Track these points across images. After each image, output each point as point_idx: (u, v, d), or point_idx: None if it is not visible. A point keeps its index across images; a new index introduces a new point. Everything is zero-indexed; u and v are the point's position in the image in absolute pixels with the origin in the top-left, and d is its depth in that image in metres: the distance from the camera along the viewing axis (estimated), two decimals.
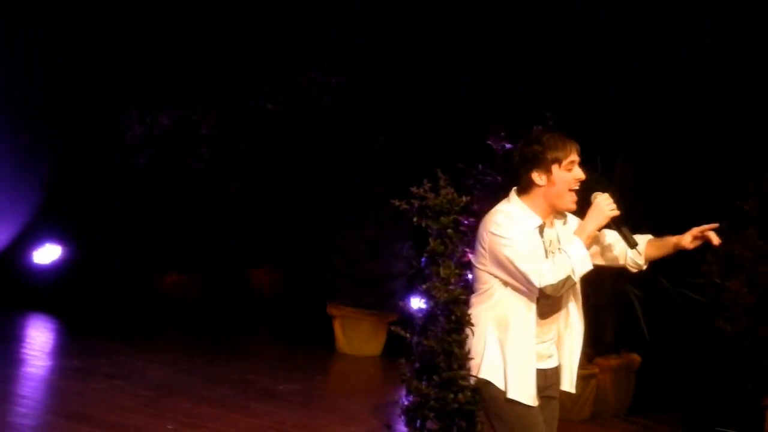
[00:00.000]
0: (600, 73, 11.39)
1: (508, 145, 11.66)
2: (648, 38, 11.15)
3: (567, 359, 5.19)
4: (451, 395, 4.09)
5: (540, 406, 5.04)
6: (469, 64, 12.27)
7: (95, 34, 13.53)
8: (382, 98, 13.48)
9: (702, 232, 5.18)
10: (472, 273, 4.97)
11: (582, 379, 9.66)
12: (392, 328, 4.27)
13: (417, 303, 11.78)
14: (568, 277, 4.79)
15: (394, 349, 11.81)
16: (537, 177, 4.99)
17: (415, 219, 4.15)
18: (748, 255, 9.37)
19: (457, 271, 4.11)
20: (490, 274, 4.94)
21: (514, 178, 5.06)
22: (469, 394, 4.08)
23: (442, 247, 4.12)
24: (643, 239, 5.18)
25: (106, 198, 13.58)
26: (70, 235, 13.53)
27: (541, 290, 4.80)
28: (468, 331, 4.34)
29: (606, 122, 10.70)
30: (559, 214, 5.14)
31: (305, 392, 10.11)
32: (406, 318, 11.84)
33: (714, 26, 10.67)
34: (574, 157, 5.02)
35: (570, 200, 5.02)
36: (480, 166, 11.18)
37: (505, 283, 4.92)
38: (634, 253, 5.13)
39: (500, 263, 4.86)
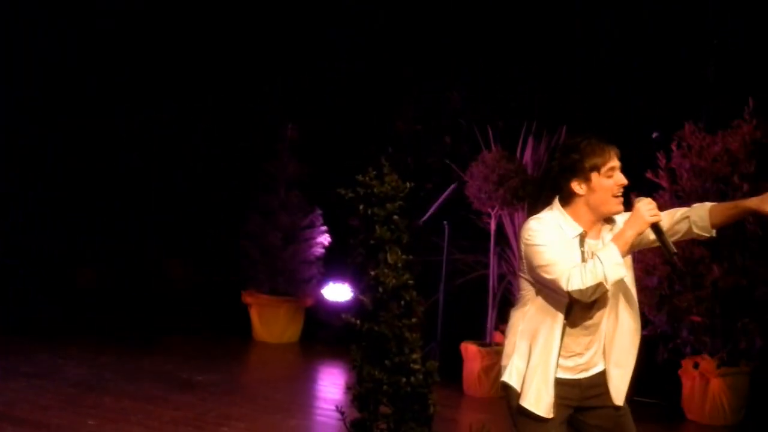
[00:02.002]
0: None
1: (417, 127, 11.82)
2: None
3: (613, 370, 5.11)
4: (404, 379, 4.12)
5: (583, 416, 5.11)
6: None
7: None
8: (293, 84, 13.47)
9: None
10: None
11: (499, 355, 9.80)
12: (343, 316, 4.29)
13: (335, 289, 11.91)
14: (599, 284, 4.72)
15: (311, 335, 11.96)
16: (576, 186, 4.92)
17: (361, 207, 4.16)
18: None
19: (404, 256, 4.14)
20: (527, 281, 4.99)
21: (554, 187, 4.99)
22: (421, 377, 4.13)
23: (389, 234, 4.15)
24: (704, 208, 5.12)
25: (21, 192, 13.43)
26: None
27: (573, 297, 4.77)
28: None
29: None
30: (608, 221, 5.06)
31: (226, 382, 10.10)
32: (323, 304, 11.96)
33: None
34: (614, 162, 4.94)
35: (615, 204, 4.95)
36: (390, 149, 11.26)
37: (538, 292, 4.94)
38: (703, 225, 5.08)
39: (532, 269, 4.88)
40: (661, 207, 9.09)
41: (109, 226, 13.51)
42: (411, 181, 4.49)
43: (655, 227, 4.90)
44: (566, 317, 4.91)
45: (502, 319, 10.27)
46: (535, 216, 5.02)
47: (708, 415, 9.43)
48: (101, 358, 10.53)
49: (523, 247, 4.93)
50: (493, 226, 9.87)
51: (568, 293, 4.74)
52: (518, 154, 10.25)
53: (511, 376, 5.01)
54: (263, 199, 11.98)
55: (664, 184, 9.58)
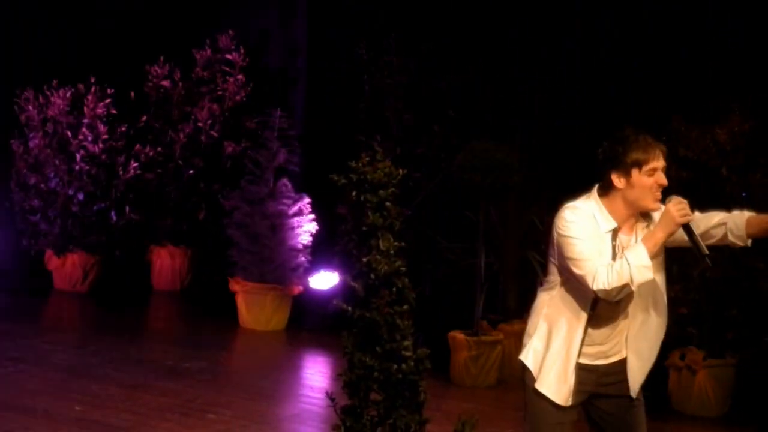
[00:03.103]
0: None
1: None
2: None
3: (634, 361, 5.10)
4: (395, 366, 4.12)
5: (597, 402, 5.12)
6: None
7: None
8: (280, 72, 13.47)
9: None
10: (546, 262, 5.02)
11: (487, 345, 9.86)
12: (334, 302, 4.29)
13: (322, 277, 11.91)
14: (625, 285, 4.71)
15: (298, 323, 11.97)
16: (616, 179, 4.90)
17: (354, 193, 4.16)
18: None
19: (396, 243, 4.13)
20: (556, 267, 5.01)
21: (597, 176, 4.97)
22: (412, 364, 4.12)
23: (381, 220, 4.14)
24: (741, 217, 5.04)
25: (4, 178, 13.38)
26: None
27: (599, 295, 4.78)
28: None
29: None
30: (645, 216, 5.03)
31: (213, 369, 10.11)
32: (310, 292, 11.95)
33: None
34: (658, 162, 4.90)
35: (652, 202, 4.91)
36: (378, 138, 11.25)
37: (566, 280, 4.96)
38: (739, 234, 5.02)
39: (562, 258, 4.89)
40: None
41: (96, 213, 13.46)
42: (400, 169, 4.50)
43: (687, 227, 4.85)
44: (591, 309, 4.93)
45: (491, 310, 10.32)
46: (570, 204, 5.00)
47: (694, 406, 9.46)
48: (89, 344, 10.52)
49: (555, 235, 4.93)
50: (481, 216, 9.88)
51: (594, 291, 4.75)
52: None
53: (527, 356, 5.07)
54: (251, 188, 11.96)
55: None
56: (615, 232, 4.91)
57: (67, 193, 13.15)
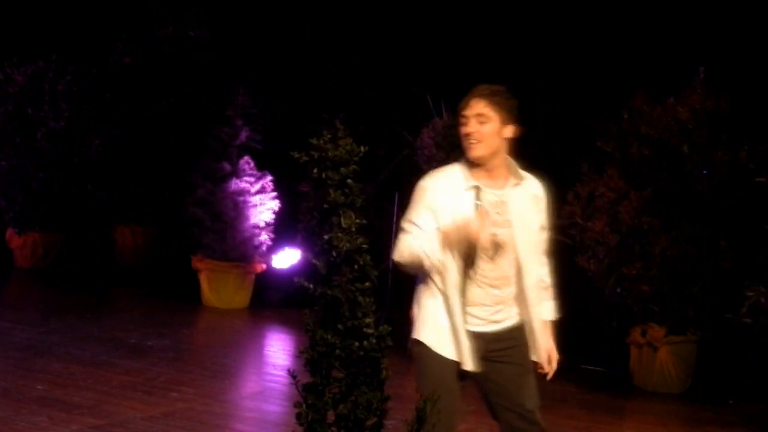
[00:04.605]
0: None
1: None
2: None
3: (522, 325, 5.13)
4: (356, 343, 4.10)
5: (487, 368, 5.02)
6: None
7: None
8: (241, 50, 13.40)
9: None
10: None
11: None
12: (296, 279, 4.26)
13: (284, 255, 11.89)
14: (418, 258, 4.83)
15: (261, 301, 11.95)
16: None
17: (315, 170, 4.13)
18: (609, 195, 9.59)
19: (358, 220, 4.11)
20: None
21: None
22: (374, 341, 4.11)
23: (342, 198, 4.11)
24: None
25: None
26: None
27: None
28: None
29: None
30: (516, 174, 5.05)
31: (175, 347, 10.09)
32: (272, 270, 11.92)
33: None
34: (467, 110, 4.96)
35: (466, 149, 4.96)
36: (342, 115, 11.21)
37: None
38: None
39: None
40: (612, 177, 9.20)
41: (58, 193, 13.38)
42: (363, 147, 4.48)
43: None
44: (468, 267, 4.92)
45: None
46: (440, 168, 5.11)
47: (655, 382, 9.53)
48: (50, 323, 10.47)
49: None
50: None
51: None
52: None
53: (414, 315, 5.12)
54: (214, 166, 11.92)
55: (615, 152, 9.65)
56: (477, 189, 4.93)
57: (28, 171, 13.05)
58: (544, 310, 5.18)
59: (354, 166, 4.16)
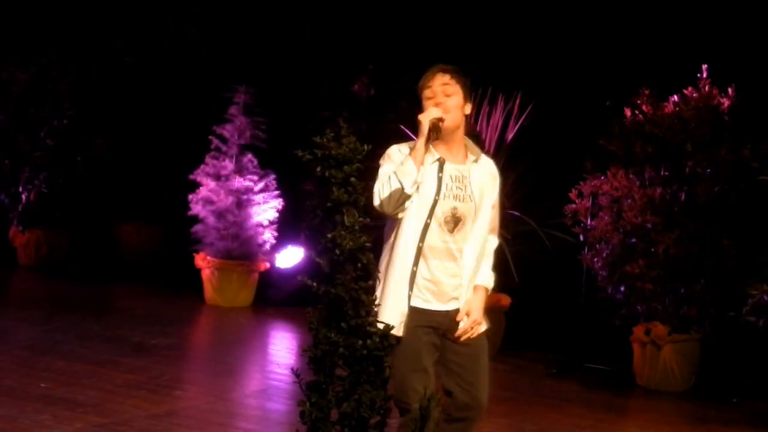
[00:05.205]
0: None
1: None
2: None
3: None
4: (360, 342, 4.11)
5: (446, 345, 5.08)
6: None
7: None
8: (243, 48, 13.40)
9: None
10: None
11: None
12: (299, 277, 4.27)
13: (288, 253, 11.88)
14: (396, 190, 4.87)
15: (264, 299, 11.96)
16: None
17: (318, 169, 4.14)
18: (613, 194, 9.60)
19: (361, 219, 4.12)
20: None
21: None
22: (377, 340, 4.12)
23: (346, 196, 4.12)
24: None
25: None
26: None
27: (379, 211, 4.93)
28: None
29: None
30: (473, 152, 5.16)
31: (179, 346, 10.10)
32: (275, 268, 11.92)
33: None
34: (431, 82, 5.08)
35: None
36: (345, 114, 11.22)
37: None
38: None
39: None
40: (615, 175, 9.19)
41: (61, 191, 13.39)
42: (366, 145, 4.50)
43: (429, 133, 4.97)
44: (422, 240, 4.99)
45: None
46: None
47: (658, 381, 9.53)
48: (54, 321, 10.46)
49: None
50: None
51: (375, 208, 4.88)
52: (475, 119, 10.25)
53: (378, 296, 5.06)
54: (217, 164, 11.92)
55: (618, 150, 9.65)
56: (441, 163, 5.03)
57: (31, 169, 13.06)
58: (480, 275, 5.23)
59: (357, 165, 4.17)
